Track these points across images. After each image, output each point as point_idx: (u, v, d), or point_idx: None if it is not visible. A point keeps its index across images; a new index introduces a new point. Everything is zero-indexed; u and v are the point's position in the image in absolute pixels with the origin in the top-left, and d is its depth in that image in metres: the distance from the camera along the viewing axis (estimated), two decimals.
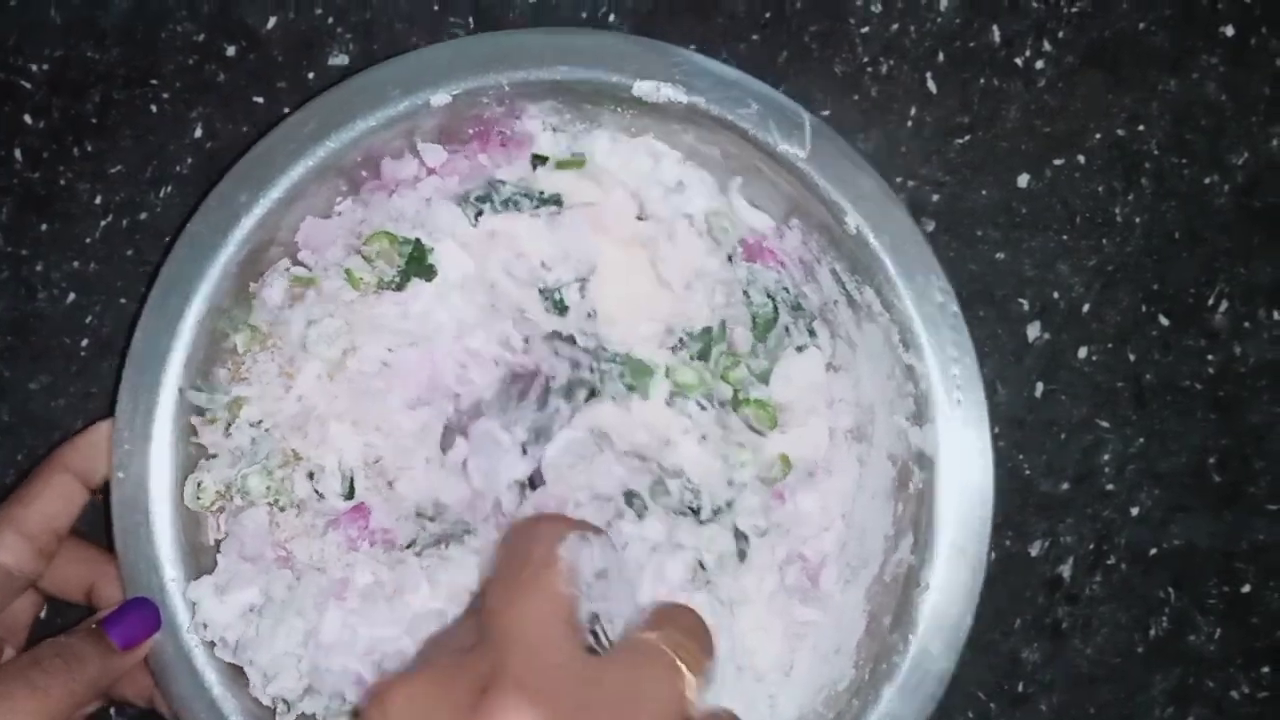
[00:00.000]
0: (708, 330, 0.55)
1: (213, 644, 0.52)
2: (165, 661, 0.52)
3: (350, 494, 0.54)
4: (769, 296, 0.55)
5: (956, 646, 0.50)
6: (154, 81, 0.62)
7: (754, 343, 0.55)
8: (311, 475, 0.54)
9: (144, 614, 0.51)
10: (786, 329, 0.55)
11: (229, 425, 0.54)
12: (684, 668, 0.42)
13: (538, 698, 0.38)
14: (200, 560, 0.53)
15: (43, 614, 0.57)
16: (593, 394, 0.55)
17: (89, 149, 0.62)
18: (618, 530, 0.53)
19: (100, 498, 0.53)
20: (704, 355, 0.55)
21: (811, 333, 0.55)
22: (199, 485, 0.53)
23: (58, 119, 0.62)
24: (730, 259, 0.56)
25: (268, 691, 0.52)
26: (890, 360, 0.52)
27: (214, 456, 0.54)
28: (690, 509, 0.54)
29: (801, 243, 0.54)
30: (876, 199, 0.51)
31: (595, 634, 0.43)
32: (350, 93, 0.53)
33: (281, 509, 0.54)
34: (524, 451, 0.54)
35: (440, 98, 0.52)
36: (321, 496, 0.54)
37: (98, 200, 0.61)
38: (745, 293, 0.55)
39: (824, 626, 0.54)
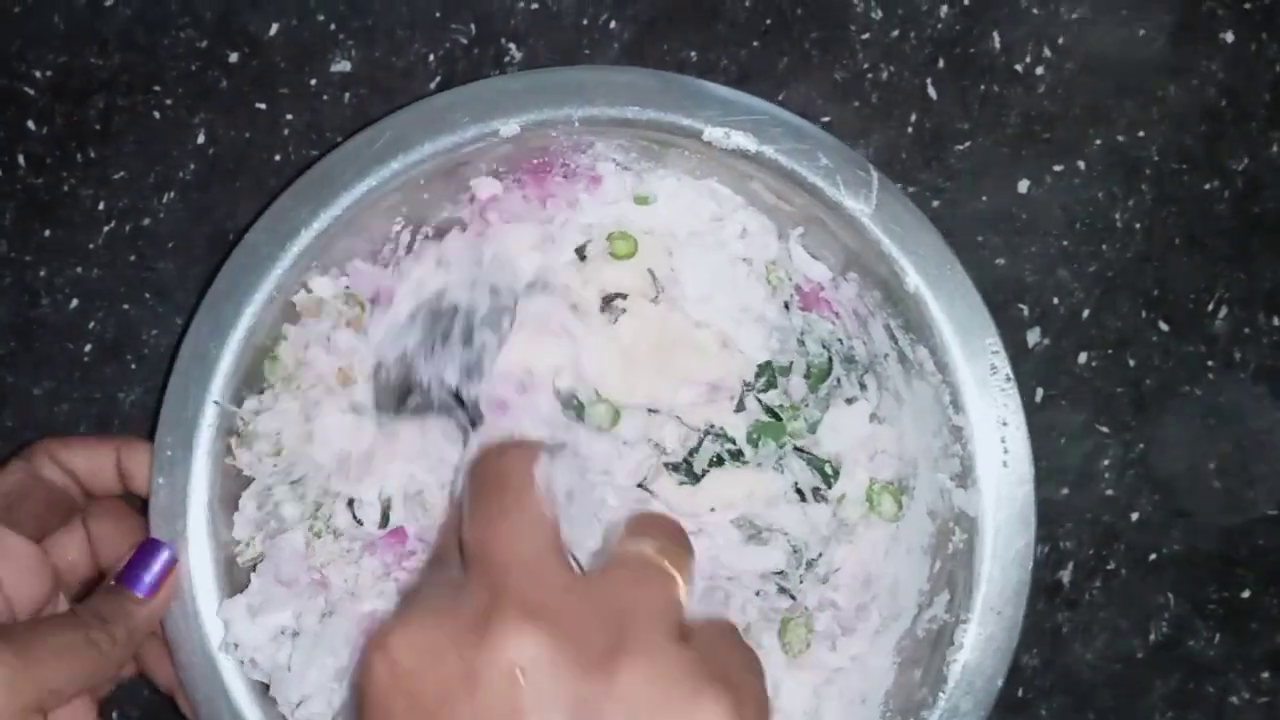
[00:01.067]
0: (768, 364, 0.55)
1: (242, 662, 0.52)
2: (194, 672, 0.51)
3: (385, 523, 0.54)
4: (824, 347, 0.55)
5: (987, 705, 0.50)
6: (157, 88, 0.62)
7: (807, 393, 0.55)
8: (351, 503, 0.54)
9: (155, 553, 0.50)
10: (838, 380, 0.55)
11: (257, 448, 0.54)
12: (675, 574, 0.41)
13: (541, 617, 0.37)
14: (234, 574, 0.53)
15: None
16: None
17: (92, 155, 0.62)
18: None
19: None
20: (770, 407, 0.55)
21: (862, 385, 0.55)
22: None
23: (61, 125, 0.62)
24: (786, 306, 0.56)
25: (296, 715, 0.52)
26: (938, 419, 0.52)
27: (252, 480, 0.54)
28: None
29: (857, 295, 0.54)
30: (937, 259, 0.51)
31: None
32: (418, 116, 0.52)
33: (318, 535, 0.54)
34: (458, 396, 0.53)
35: (509, 128, 0.52)
36: (360, 523, 0.54)
37: (101, 206, 0.62)
38: (801, 341, 0.56)
39: (852, 674, 0.54)
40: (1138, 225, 0.61)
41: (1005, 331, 0.59)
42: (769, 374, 0.55)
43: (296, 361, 0.54)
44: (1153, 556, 0.60)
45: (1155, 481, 0.60)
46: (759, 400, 0.55)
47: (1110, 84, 0.61)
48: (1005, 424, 0.51)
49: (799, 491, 0.55)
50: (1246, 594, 0.60)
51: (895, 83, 0.62)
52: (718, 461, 0.55)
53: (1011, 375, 0.51)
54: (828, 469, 0.55)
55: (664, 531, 0.44)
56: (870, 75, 0.62)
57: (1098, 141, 0.61)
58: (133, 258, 0.62)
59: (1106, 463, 0.60)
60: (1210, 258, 0.61)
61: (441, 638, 0.38)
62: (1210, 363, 0.61)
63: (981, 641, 0.50)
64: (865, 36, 0.62)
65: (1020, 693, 0.59)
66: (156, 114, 0.62)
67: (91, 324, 0.61)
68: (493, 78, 0.53)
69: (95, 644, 0.47)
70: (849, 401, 0.55)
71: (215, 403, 0.52)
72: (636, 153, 0.54)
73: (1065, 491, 0.60)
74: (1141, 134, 0.61)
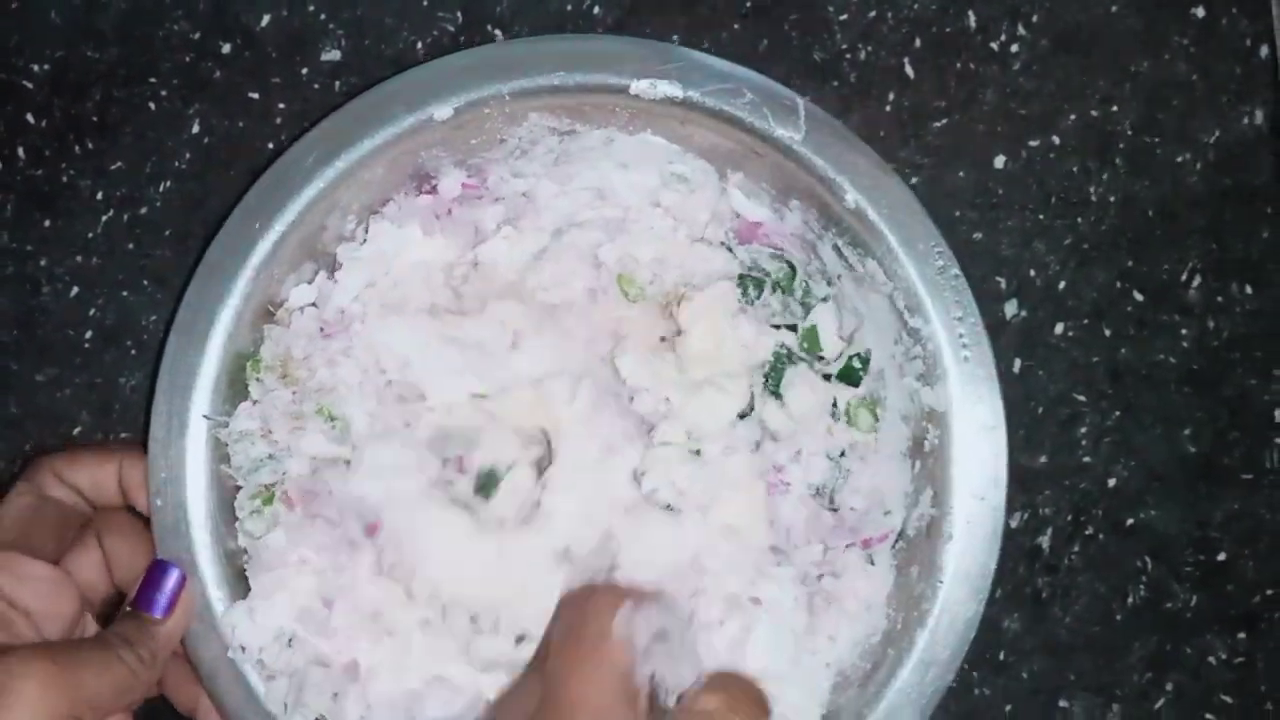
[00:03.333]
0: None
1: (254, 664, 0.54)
2: (220, 682, 0.53)
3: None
4: (781, 261, 0.57)
5: (983, 590, 0.52)
6: (152, 80, 0.64)
7: (784, 297, 0.57)
8: None
9: (164, 575, 0.52)
10: (807, 284, 0.57)
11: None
12: None
13: None
14: (244, 585, 0.55)
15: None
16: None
17: (90, 146, 0.63)
18: None
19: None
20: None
21: (829, 283, 0.57)
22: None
23: (59, 118, 0.63)
24: (729, 249, 0.58)
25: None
26: (897, 326, 0.54)
27: (240, 488, 0.56)
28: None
29: (803, 222, 0.56)
30: (872, 174, 0.53)
31: (654, 692, 0.47)
32: (355, 112, 0.54)
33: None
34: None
35: (444, 111, 0.54)
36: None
37: (99, 196, 0.63)
38: (755, 267, 0.57)
39: (857, 582, 0.56)
40: (1112, 198, 0.62)
41: (983, 304, 0.60)
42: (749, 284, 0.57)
43: (284, 358, 0.56)
44: (1130, 521, 0.61)
45: (1131, 448, 0.61)
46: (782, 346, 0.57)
47: (1083, 60, 0.63)
48: (960, 319, 0.53)
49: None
50: (1222, 556, 0.61)
51: (873, 63, 0.63)
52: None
53: (960, 273, 0.53)
54: (856, 362, 0.57)
55: (744, 692, 0.48)
56: (849, 56, 0.63)
57: (1072, 116, 0.62)
58: (130, 246, 0.63)
59: (1084, 430, 0.62)
60: (1183, 228, 0.62)
61: None
62: (1184, 331, 0.62)
63: (969, 529, 0.52)
64: (843, 18, 0.63)
65: (1002, 656, 0.61)
66: (152, 105, 0.64)
67: (92, 311, 0.63)
68: (425, 64, 0.55)
69: (124, 662, 0.48)
70: (824, 300, 0.57)
71: (205, 417, 0.53)
72: (570, 117, 0.55)
73: (1043, 459, 0.61)
74: (1115, 108, 0.62)
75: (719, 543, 0.55)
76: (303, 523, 0.55)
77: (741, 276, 0.57)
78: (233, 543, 0.55)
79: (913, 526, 0.55)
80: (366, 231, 0.57)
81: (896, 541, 0.55)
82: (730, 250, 0.58)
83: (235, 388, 0.55)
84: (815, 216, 0.55)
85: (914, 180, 0.62)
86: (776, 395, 0.56)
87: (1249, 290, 0.62)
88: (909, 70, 0.63)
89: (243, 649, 0.53)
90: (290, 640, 0.54)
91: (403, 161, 0.55)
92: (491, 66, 0.54)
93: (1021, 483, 0.61)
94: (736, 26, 0.63)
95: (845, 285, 0.56)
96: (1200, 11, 0.63)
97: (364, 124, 0.54)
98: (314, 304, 0.57)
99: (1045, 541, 0.61)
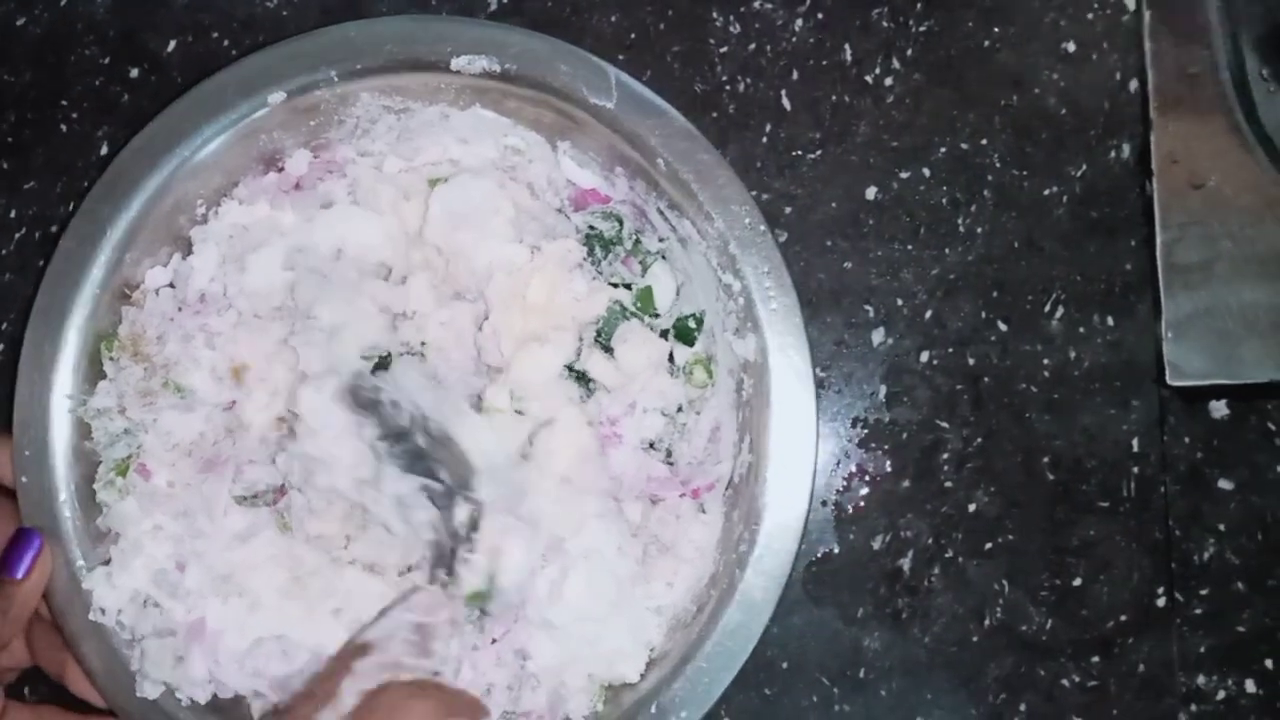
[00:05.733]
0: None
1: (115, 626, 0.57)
2: (85, 645, 0.56)
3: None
4: (611, 219, 0.60)
5: (797, 530, 0.54)
6: (63, 102, 0.66)
7: (626, 255, 0.59)
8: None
9: (27, 540, 0.55)
10: (638, 238, 0.60)
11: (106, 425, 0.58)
12: None
13: None
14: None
15: None
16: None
17: (5, 166, 0.66)
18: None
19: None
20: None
21: (661, 239, 0.59)
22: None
23: None
24: (566, 215, 0.60)
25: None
26: (715, 283, 0.57)
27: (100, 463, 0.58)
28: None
29: (629, 188, 0.59)
30: (682, 138, 0.56)
31: None
32: (193, 100, 0.57)
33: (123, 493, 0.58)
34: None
35: (277, 95, 0.57)
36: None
37: (12, 214, 0.66)
38: (591, 228, 0.60)
39: (692, 528, 0.59)
40: (979, 229, 0.64)
41: (851, 331, 0.62)
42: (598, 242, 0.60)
43: (136, 337, 0.59)
44: (989, 545, 0.63)
45: (992, 474, 0.63)
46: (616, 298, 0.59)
47: (955, 93, 0.64)
48: (767, 272, 0.55)
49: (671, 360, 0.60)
50: (1078, 582, 0.62)
51: (751, 95, 0.65)
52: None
53: (767, 230, 0.55)
54: (691, 322, 0.59)
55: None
56: (728, 87, 0.65)
57: (942, 149, 0.64)
58: (42, 263, 0.65)
59: (946, 456, 0.63)
60: (1048, 260, 0.63)
61: None
62: (1046, 361, 0.63)
63: (783, 472, 0.54)
64: (724, 50, 0.65)
65: (862, 673, 0.62)
66: (63, 127, 0.66)
67: (4, 325, 0.66)
68: (255, 53, 0.57)
69: None
70: (663, 256, 0.59)
71: (67, 397, 0.56)
72: (401, 95, 0.58)
73: (906, 484, 0.63)
74: (984, 141, 0.64)
75: (554, 491, 0.57)
76: (156, 491, 0.58)
77: (588, 236, 0.60)
78: (100, 514, 0.58)
79: (737, 474, 0.57)
80: (217, 213, 0.60)
81: (726, 489, 0.58)
82: (567, 217, 0.60)
83: (96, 368, 0.58)
84: (640, 182, 0.58)
85: (787, 210, 0.64)
86: (607, 349, 0.59)
87: (1110, 322, 0.63)
88: (785, 102, 0.65)
89: (103, 611, 0.56)
90: (145, 602, 0.57)
91: (247, 145, 0.58)
92: (320, 50, 0.57)
93: (884, 506, 0.63)
94: (621, 57, 0.65)
95: (674, 246, 0.58)
96: (1071, 46, 0.64)
97: (201, 111, 0.57)
98: (171, 285, 0.60)
99: (906, 563, 0.63)
